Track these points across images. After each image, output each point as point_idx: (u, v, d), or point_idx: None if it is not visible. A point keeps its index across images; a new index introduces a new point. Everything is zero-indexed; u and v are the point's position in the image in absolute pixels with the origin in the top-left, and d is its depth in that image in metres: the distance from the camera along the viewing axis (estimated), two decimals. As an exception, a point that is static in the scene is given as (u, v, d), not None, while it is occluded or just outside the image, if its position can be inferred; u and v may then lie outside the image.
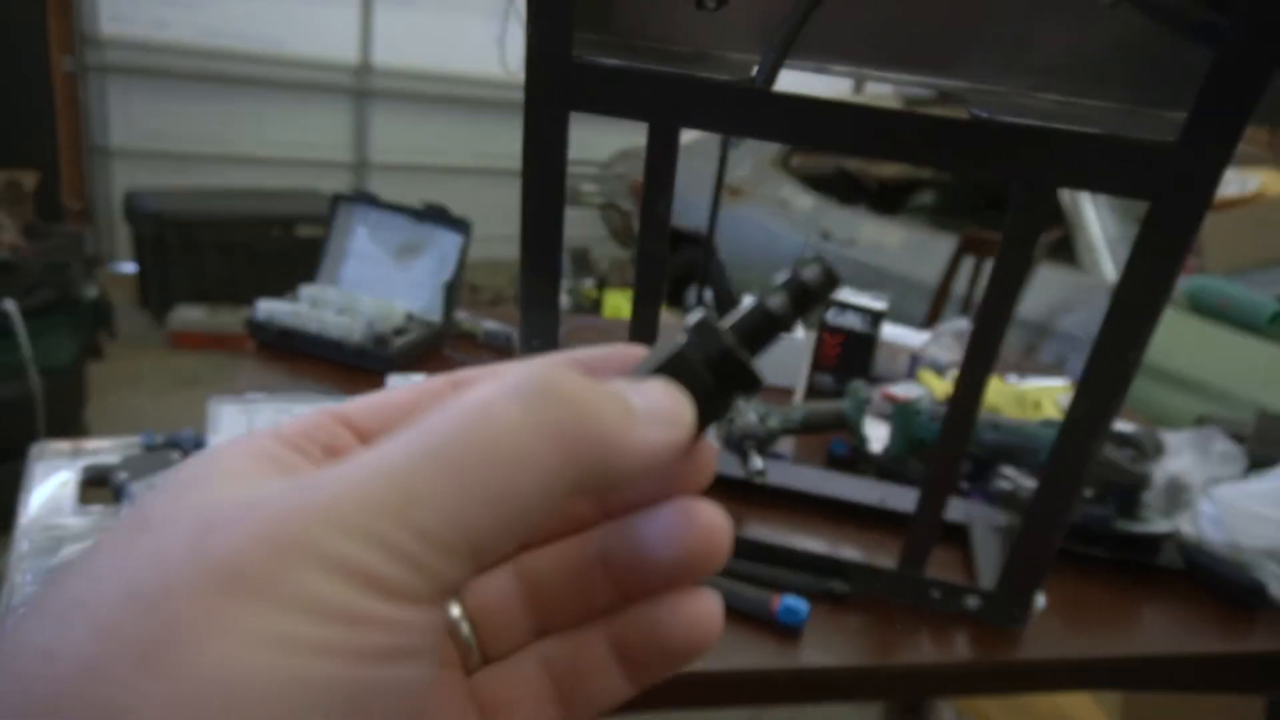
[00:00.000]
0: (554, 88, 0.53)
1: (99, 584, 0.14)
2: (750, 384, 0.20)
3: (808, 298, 0.21)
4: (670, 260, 0.72)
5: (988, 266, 1.53)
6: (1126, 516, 0.76)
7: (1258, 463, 0.87)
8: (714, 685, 0.58)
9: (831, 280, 0.21)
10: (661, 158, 0.55)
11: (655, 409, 0.18)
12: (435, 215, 1.12)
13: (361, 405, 0.20)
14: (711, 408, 0.20)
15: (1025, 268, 0.54)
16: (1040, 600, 0.70)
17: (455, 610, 0.21)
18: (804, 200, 2.71)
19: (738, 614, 0.63)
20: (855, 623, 0.65)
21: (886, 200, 3.01)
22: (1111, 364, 0.54)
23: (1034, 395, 1.08)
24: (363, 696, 0.14)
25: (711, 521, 0.19)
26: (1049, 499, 0.60)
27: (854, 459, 0.90)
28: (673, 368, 0.20)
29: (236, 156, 3.53)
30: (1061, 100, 0.57)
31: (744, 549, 0.68)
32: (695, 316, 0.20)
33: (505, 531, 0.16)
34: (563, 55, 0.52)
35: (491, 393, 0.16)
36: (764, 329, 0.21)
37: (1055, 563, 0.74)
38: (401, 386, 0.21)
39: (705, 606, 0.19)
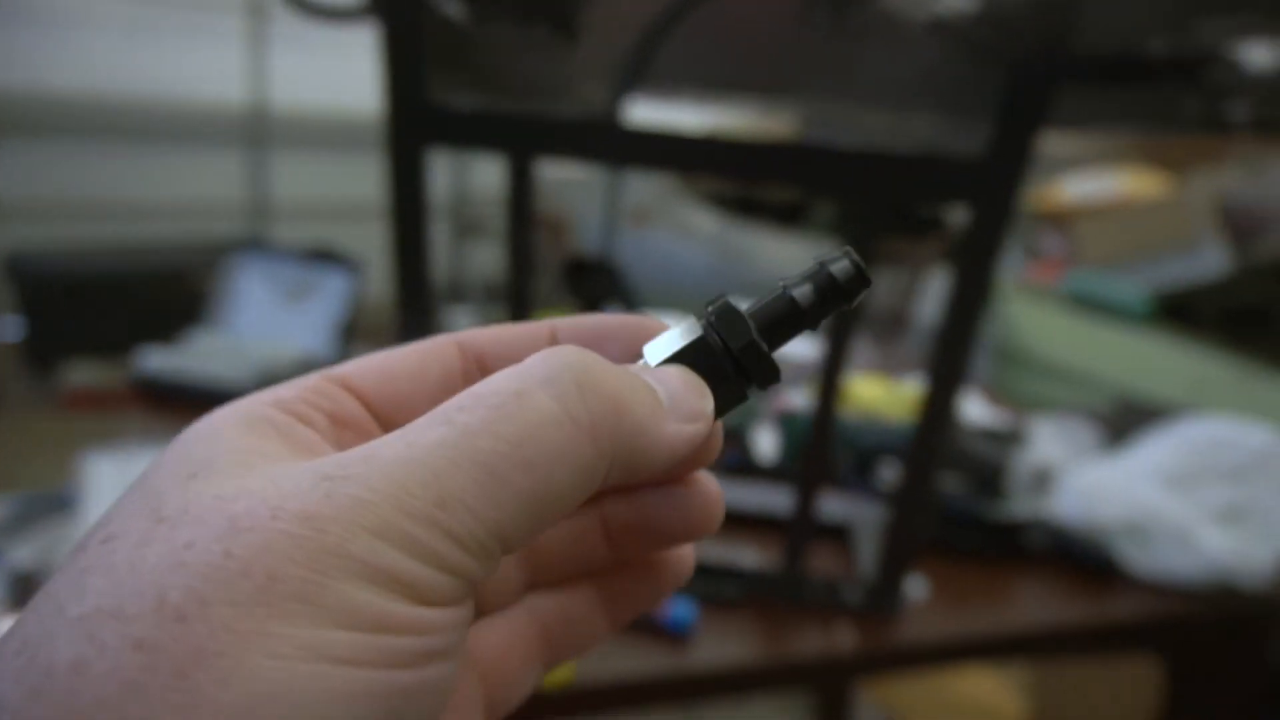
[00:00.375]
0: (412, 129, 0.55)
1: (123, 587, 0.13)
2: (770, 377, 0.19)
3: (837, 294, 0.19)
4: (581, 288, 0.75)
5: (882, 275, 1.60)
6: (993, 503, 0.81)
7: (1115, 444, 0.94)
8: (603, 694, 0.60)
9: (862, 278, 0.19)
10: (520, 191, 0.58)
11: (681, 403, 0.18)
12: (325, 257, 1.12)
13: (363, 368, 0.20)
14: (727, 398, 0.19)
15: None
16: (920, 589, 0.74)
17: None
18: (707, 222, 2.77)
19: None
20: (743, 624, 0.68)
21: (786, 217, 3.10)
22: (949, 354, 0.58)
23: (912, 395, 1.14)
24: (399, 700, 0.14)
25: (711, 492, 0.21)
26: (909, 486, 0.64)
27: (745, 468, 0.93)
28: (693, 354, 0.19)
29: (127, 207, 3.42)
30: (891, 119, 0.61)
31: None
32: (718, 300, 0.19)
33: (536, 527, 0.15)
34: (417, 96, 0.54)
35: (523, 381, 0.16)
36: (787, 320, 0.19)
37: (935, 553, 0.79)
38: (402, 348, 0.20)
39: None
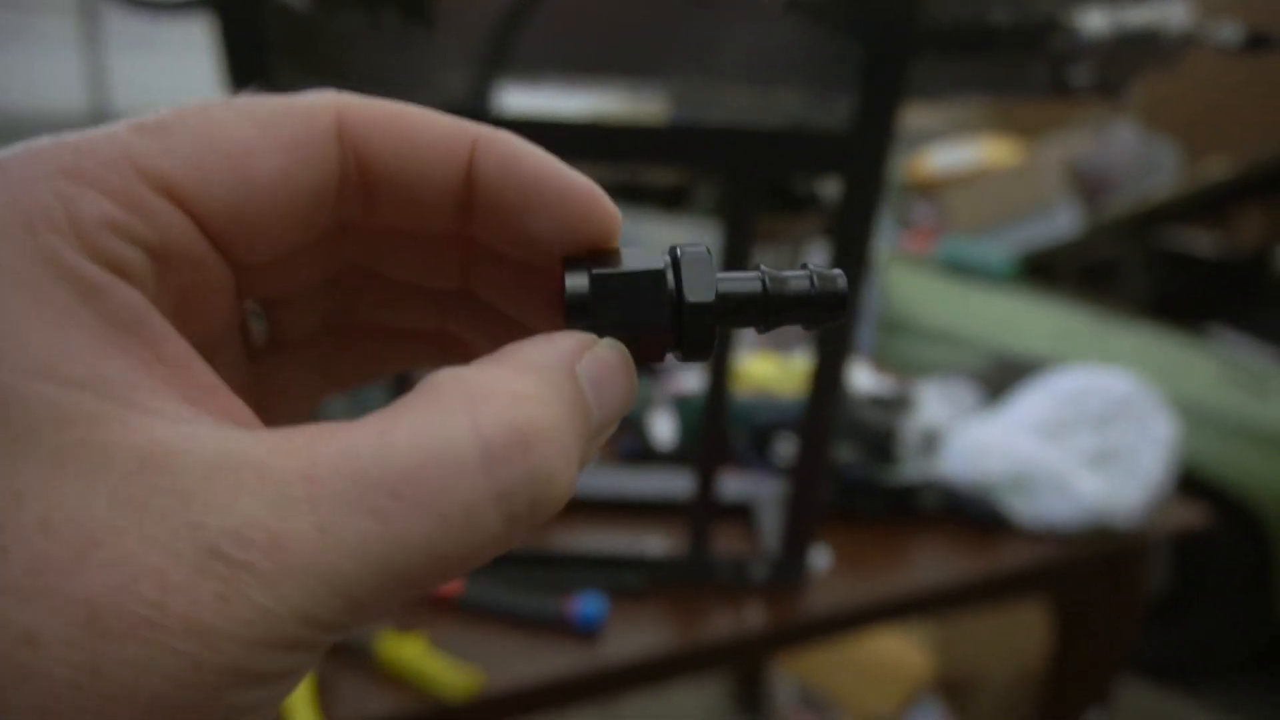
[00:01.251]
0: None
1: None
2: (701, 350, 0.16)
3: (810, 305, 0.17)
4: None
5: (765, 254, 1.63)
6: (886, 468, 0.83)
7: (995, 401, 0.98)
8: (514, 699, 0.58)
9: (842, 302, 0.17)
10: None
11: (605, 416, 0.15)
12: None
13: (204, 169, 0.13)
14: (646, 351, 0.16)
15: (748, 250, 0.58)
16: (824, 558, 0.75)
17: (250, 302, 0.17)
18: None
19: (531, 625, 0.63)
20: (652, 613, 0.67)
21: (670, 201, 3.13)
22: (835, 326, 0.59)
23: (804, 370, 1.16)
24: None
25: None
26: (805, 458, 0.65)
27: (644, 454, 0.93)
28: (637, 285, 0.16)
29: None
30: (756, 95, 0.61)
31: (536, 560, 0.69)
32: (693, 246, 0.16)
33: (414, 584, 0.13)
34: (259, 89, 0.51)
35: (473, 491, 0.13)
36: (749, 305, 0.17)
37: (834, 521, 0.80)
38: (258, 121, 0.14)
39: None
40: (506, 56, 0.54)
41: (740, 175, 0.54)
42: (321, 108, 0.15)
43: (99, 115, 3.32)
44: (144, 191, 0.13)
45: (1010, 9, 0.50)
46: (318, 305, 0.19)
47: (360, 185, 0.15)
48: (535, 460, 0.13)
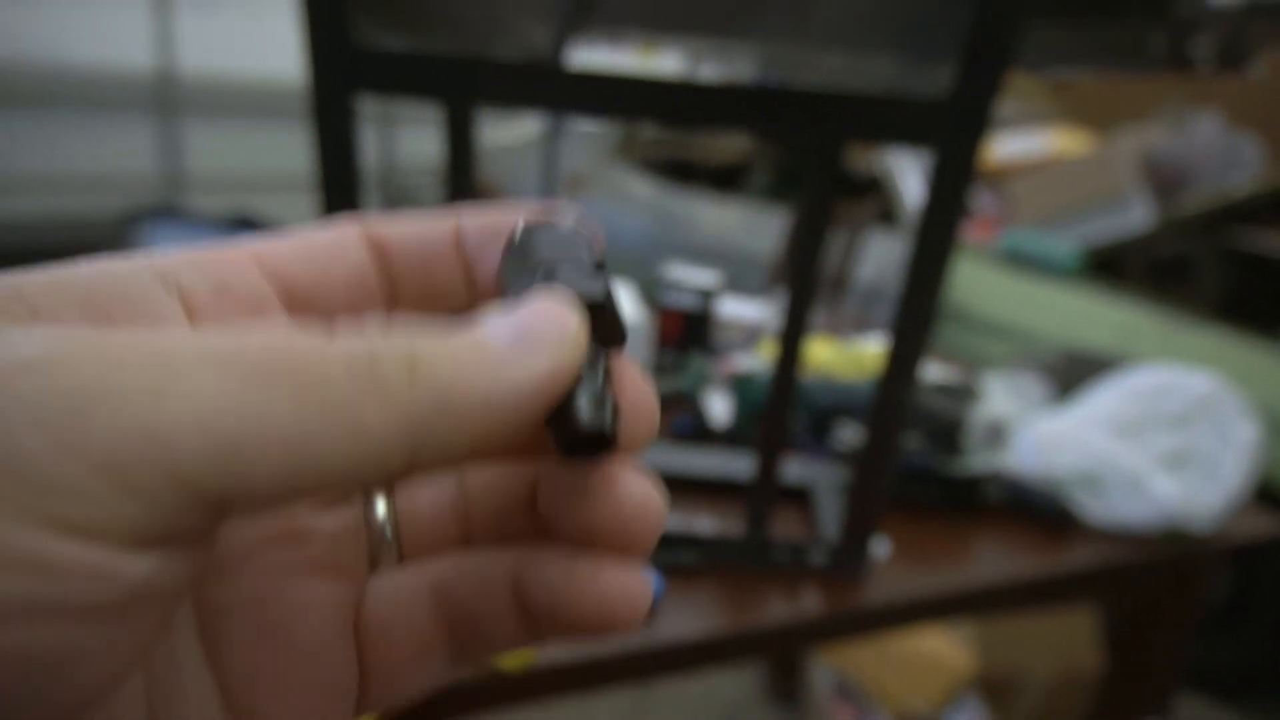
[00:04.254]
0: (337, 75, 0.50)
1: None
2: (620, 336, 0.17)
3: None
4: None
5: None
6: (950, 459, 0.80)
7: (1064, 396, 0.95)
8: (568, 673, 0.57)
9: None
10: (459, 141, 0.53)
11: (525, 333, 0.14)
12: (246, 225, 1.05)
13: (278, 247, 0.18)
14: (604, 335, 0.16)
15: (824, 224, 0.55)
16: (883, 548, 0.73)
17: (380, 507, 0.18)
18: (644, 187, 2.73)
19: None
20: (707, 593, 0.65)
21: (723, 182, 3.09)
22: (915, 305, 0.56)
23: (868, 355, 1.13)
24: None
25: (637, 491, 0.16)
26: (873, 446, 0.62)
27: (700, 433, 0.91)
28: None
29: (29, 181, 3.22)
30: (847, 60, 0.58)
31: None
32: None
33: (286, 482, 0.12)
34: (343, 40, 0.49)
35: (326, 336, 0.13)
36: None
37: (895, 511, 0.78)
38: (314, 230, 0.18)
39: (624, 581, 0.16)
40: (590, 8, 0.52)
41: (829, 142, 0.51)
42: (350, 227, 0.19)
43: (165, 75, 3.37)
44: (248, 264, 0.17)
45: (1133, -28, 0.47)
46: (445, 528, 0.19)
47: (386, 273, 0.19)
48: (409, 350, 0.13)
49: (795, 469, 0.80)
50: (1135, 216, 1.93)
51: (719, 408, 0.91)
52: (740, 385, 0.88)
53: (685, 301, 1.04)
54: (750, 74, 0.66)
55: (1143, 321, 1.72)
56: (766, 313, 1.18)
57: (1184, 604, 0.87)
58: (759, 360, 1.01)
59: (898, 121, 0.51)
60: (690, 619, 0.62)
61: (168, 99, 3.43)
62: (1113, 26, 0.50)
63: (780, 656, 1.48)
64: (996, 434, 0.86)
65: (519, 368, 0.14)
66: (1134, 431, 0.84)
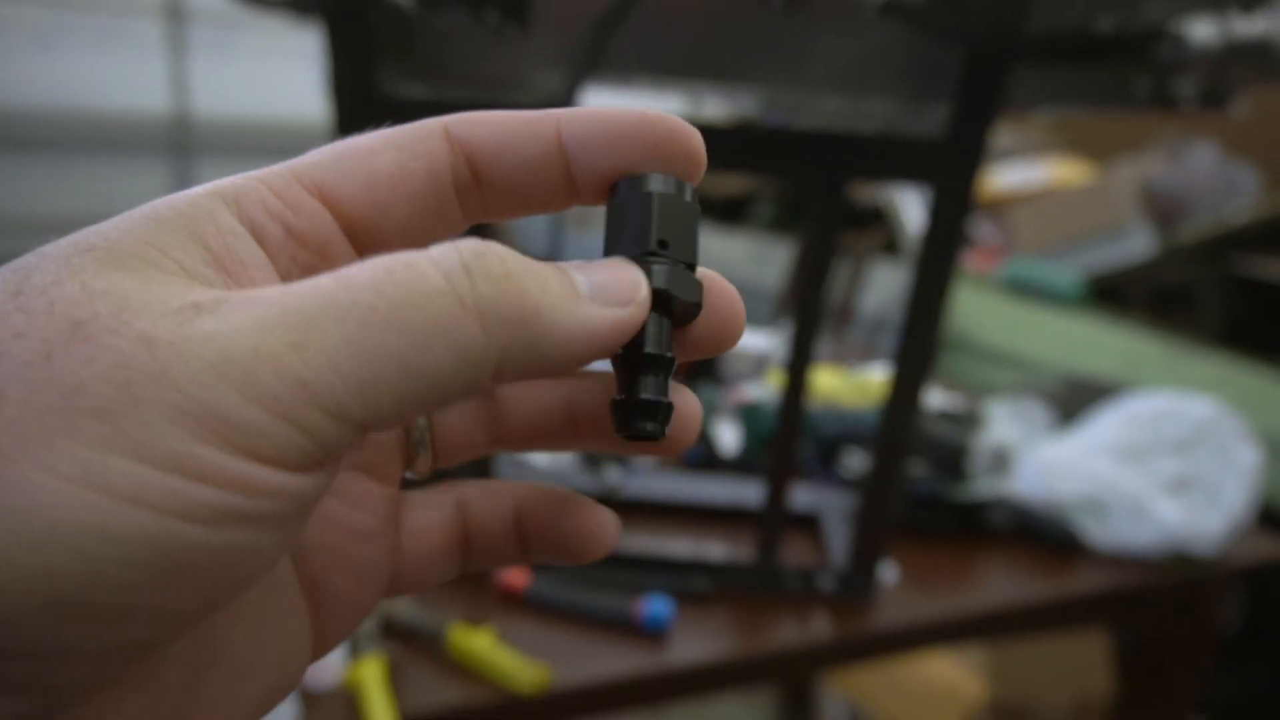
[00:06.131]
0: (360, 120, 0.53)
1: None
2: (693, 315, 0.18)
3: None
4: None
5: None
6: (956, 485, 0.82)
7: (1067, 422, 0.96)
8: (582, 696, 0.58)
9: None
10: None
11: (603, 287, 0.16)
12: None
13: (341, 172, 0.17)
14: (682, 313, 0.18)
15: (829, 258, 0.58)
16: (891, 573, 0.74)
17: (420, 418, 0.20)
18: (650, 221, 2.77)
19: (598, 623, 0.63)
20: (719, 619, 0.67)
21: (728, 214, 3.13)
22: (917, 334, 0.58)
23: (874, 383, 1.15)
24: (181, 556, 0.12)
25: (689, 404, 0.19)
26: (880, 472, 0.64)
27: (709, 461, 0.93)
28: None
29: (47, 223, 3.27)
30: (846, 101, 0.61)
31: (604, 561, 0.69)
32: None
33: (406, 404, 0.14)
34: (368, 89, 0.52)
35: (417, 256, 0.14)
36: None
37: (902, 537, 0.79)
38: (378, 137, 0.17)
39: (600, 519, 0.20)
40: (600, 57, 0.55)
41: (832, 180, 0.54)
42: (431, 120, 0.18)
43: (181, 118, 3.44)
44: (297, 189, 0.17)
45: (1116, 17, 0.49)
46: (473, 434, 0.21)
47: (473, 178, 0.18)
48: (503, 269, 0.15)
49: (804, 496, 0.81)
50: (1135, 245, 1.95)
51: (727, 436, 0.93)
52: (748, 414, 0.90)
53: (693, 333, 1.06)
54: (752, 111, 0.68)
55: (1145, 348, 1.73)
56: (773, 343, 1.20)
57: (1194, 629, 0.88)
58: (766, 390, 1.03)
59: (897, 160, 0.53)
60: (702, 644, 0.64)
61: (183, 142, 3.50)
62: (1098, 69, 0.52)
63: (792, 685, 1.48)
64: (1001, 460, 0.87)
65: (594, 309, 0.16)
66: (1137, 457, 0.86)
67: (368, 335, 0.13)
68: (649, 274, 0.17)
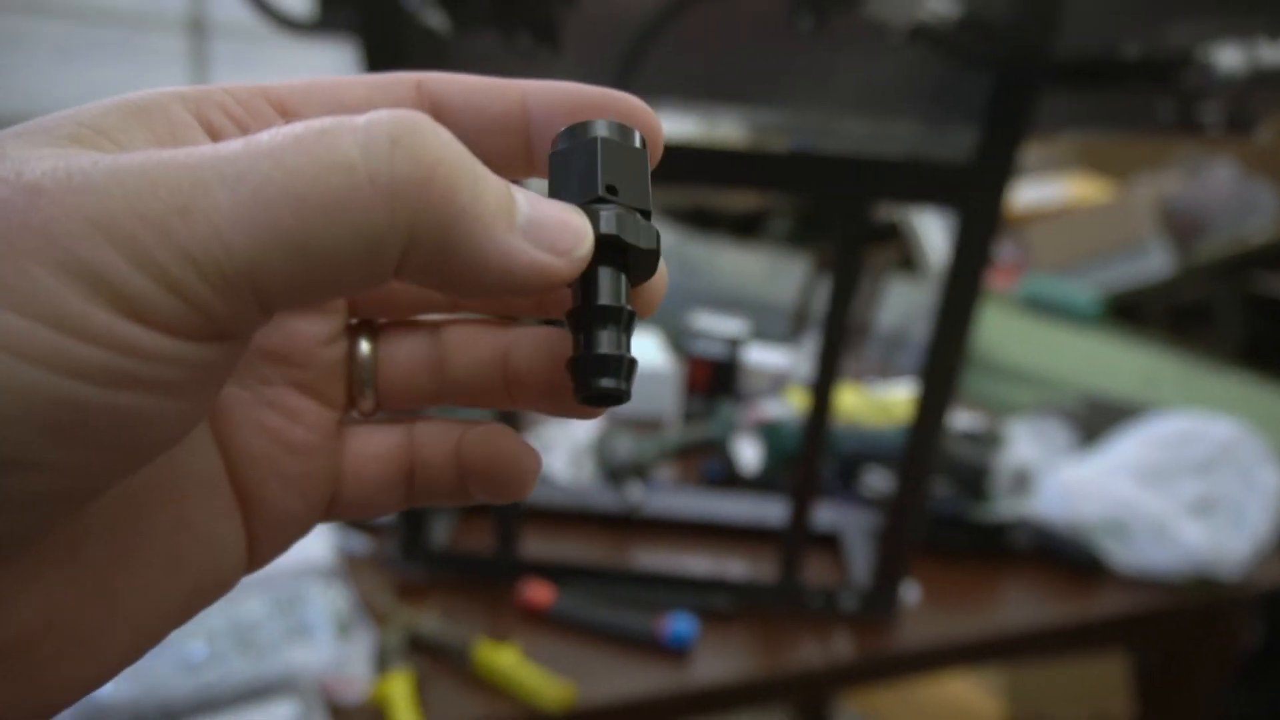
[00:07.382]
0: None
1: None
2: (649, 272, 0.17)
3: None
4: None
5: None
6: (978, 505, 0.82)
7: (1088, 443, 0.96)
8: (607, 714, 0.58)
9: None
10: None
11: (542, 226, 0.15)
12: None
13: (305, 93, 0.18)
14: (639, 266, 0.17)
15: (855, 279, 0.58)
16: (913, 593, 0.74)
17: (365, 347, 0.20)
18: (665, 235, 2.78)
19: (622, 641, 0.64)
20: (741, 637, 0.67)
21: (744, 229, 3.13)
22: (943, 356, 0.59)
23: (892, 401, 1.15)
24: (74, 414, 0.12)
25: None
26: (903, 492, 0.64)
27: (729, 478, 0.93)
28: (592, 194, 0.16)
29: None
30: (872, 125, 0.62)
31: (626, 578, 0.69)
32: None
33: (298, 284, 0.13)
34: (399, 110, 0.53)
35: (338, 123, 0.13)
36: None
37: (924, 556, 0.79)
38: (353, 78, 0.18)
39: (528, 454, 0.20)
40: (631, 80, 0.56)
41: (860, 204, 0.54)
42: (407, 73, 0.19)
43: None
44: (261, 103, 0.17)
45: (1143, 43, 0.50)
46: (418, 378, 0.21)
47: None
48: (436, 155, 0.14)
49: (825, 514, 0.82)
50: (1154, 263, 1.95)
51: (748, 454, 0.93)
52: (768, 432, 0.90)
53: (714, 350, 1.07)
54: (767, 131, 0.69)
55: (1164, 367, 1.73)
56: (791, 360, 1.21)
57: (1214, 652, 0.87)
58: (786, 407, 1.03)
59: (924, 184, 0.54)
60: (724, 662, 0.64)
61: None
62: (1123, 94, 0.53)
63: (807, 700, 1.47)
64: (1022, 480, 0.87)
65: (523, 245, 0.15)
66: (1159, 478, 0.85)
67: (259, 207, 0.12)
68: (596, 220, 0.16)
